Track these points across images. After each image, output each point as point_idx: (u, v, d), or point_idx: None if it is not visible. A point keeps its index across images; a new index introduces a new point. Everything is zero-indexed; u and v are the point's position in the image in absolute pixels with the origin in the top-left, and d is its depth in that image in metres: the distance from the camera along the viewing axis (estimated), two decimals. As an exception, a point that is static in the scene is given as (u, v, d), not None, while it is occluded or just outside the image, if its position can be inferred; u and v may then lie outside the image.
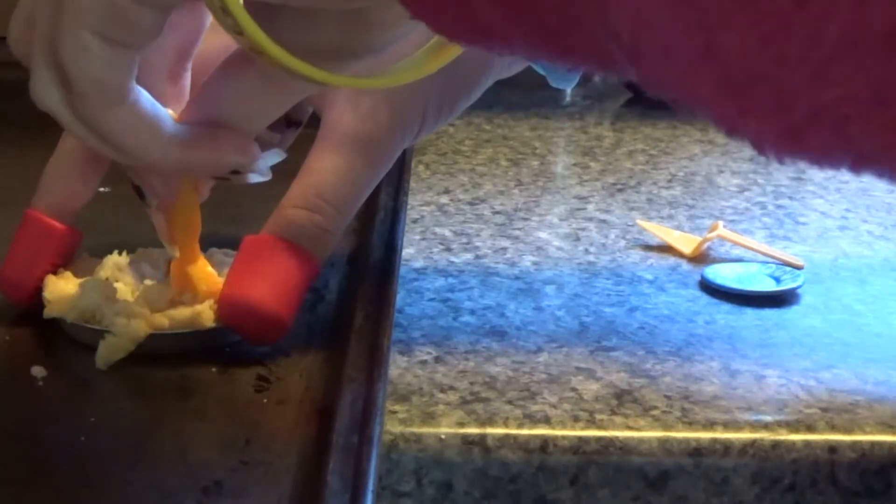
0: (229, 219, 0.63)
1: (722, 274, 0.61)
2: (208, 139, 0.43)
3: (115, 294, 0.47)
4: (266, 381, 0.45)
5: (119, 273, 0.49)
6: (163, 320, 0.46)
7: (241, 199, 0.66)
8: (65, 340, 0.47)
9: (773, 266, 0.63)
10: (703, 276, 0.62)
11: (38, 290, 0.48)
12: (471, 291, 0.60)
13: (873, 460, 0.48)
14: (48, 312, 0.47)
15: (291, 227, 0.47)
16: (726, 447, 0.47)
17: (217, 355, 0.47)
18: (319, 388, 0.44)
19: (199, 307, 0.46)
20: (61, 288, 0.48)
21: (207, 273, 0.48)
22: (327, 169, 0.48)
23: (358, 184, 0.49)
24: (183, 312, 0.46)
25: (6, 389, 0.44)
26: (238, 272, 0.46)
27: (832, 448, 0.48)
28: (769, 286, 0.61)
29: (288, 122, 0.54)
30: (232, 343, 0.47)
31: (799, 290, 0.61)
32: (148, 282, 0.48)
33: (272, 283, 0.46)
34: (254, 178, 0.46)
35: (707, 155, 0.87)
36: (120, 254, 0.50)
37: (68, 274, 0.49)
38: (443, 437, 0.46)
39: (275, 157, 0.47)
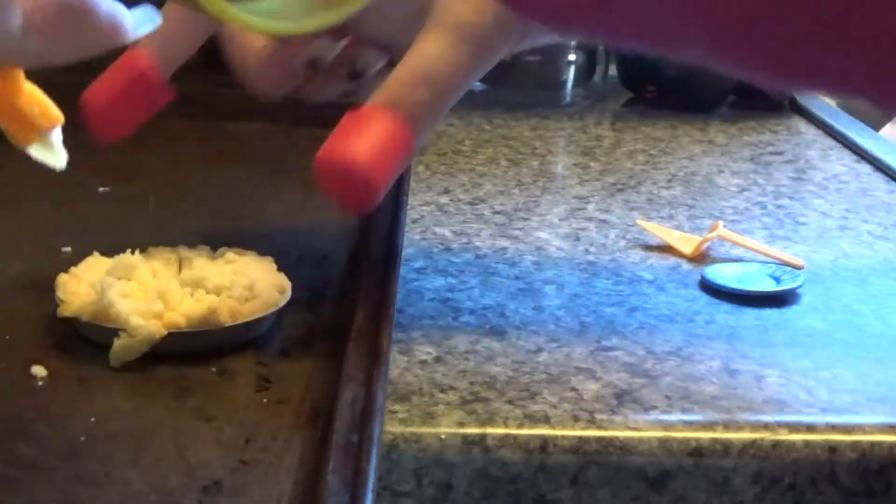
0: (229, 219, 0.63)
1: (722, 274, 0.61)
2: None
3: (130, 293, 0.47)
4: (266, 381, 0.45)
5: (132, 272, 0.49)
6: (179, 319, 0.46)
7: (240, 199, 0.67)
8: (65, 340, 0.47)
9: (773, 266, 0.63)
10: (703, 276, 0.62)
11: (122, 131, 0.49)
12: (471, 291, 0.60)
13: (873, 460, 0.48)
14: (62, 312, 0.47)
15: (393, 100, 0.48)
16: (726, 447, 0.47)
17: (217, 355, 0.47)
18: (319, 388, 0.44)
19: (214, 304, 0.47)
20: (75, 288, 0.48)
21: (39, 99, 0.42)
22: (432, 52, 0.49)
23: (460, 72, 0.49)
24: (198, 310, 0.46)
25: (6, 389, 0.44)
26: (337, 136, 0.47)
27: (832, 448, 0.48)
28: (769, 286, 0.61)
29: (351, 74, 0.55)
30: (235, 343, 0.47)
31: (799, 290, 0.61)
32: (161, 281, 0.49)
33: (369, 146, 0.46)
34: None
35: (707, 155, 0.87)
36: (133, 253, 0.50)
37: (81, 273, 0.49)
38: (443, 437, 0.46)
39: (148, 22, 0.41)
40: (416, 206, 0.72)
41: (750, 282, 0.61)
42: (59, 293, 0.48)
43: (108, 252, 0.51)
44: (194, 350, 0.46)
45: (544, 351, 0.53)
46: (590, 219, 0.72)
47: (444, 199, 0.74)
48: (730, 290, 0.60)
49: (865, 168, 0.85)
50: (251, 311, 0.48)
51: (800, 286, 0.61)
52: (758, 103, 1.01)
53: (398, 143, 0.47)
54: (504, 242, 0.67)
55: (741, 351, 0.54)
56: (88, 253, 0.52)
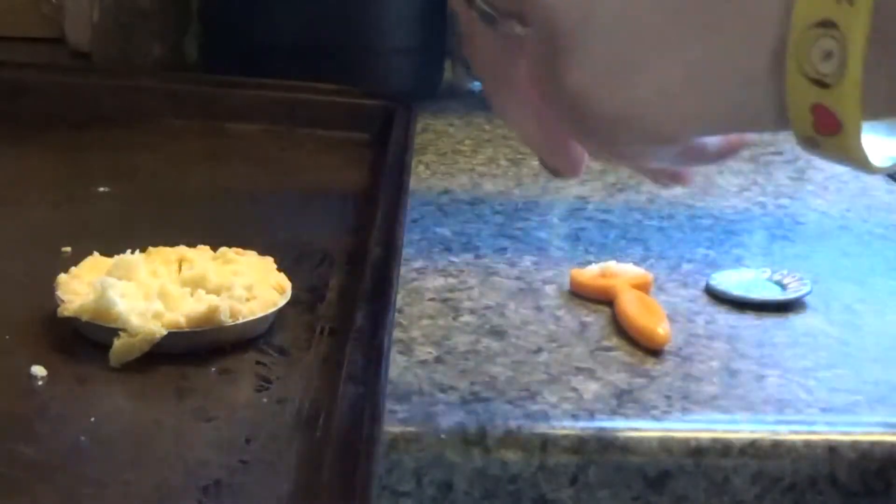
0: (229, 219, 0.63)
1: (727, 281, 0.61)
2: None
3: (130, 293, 0.47)
4: (266, 381, 0.45)
5: (132, 272, 0.49)
6: (179, 319, 0.46)
7: (240, 199, 0.67)
8: (65, 340, 0.47)
9: (769, 270, 0.62)
10: (707, 284, 0.61)
11: None
12: (471, 291, 0.60)
13: (873, 460, 0.48)
14: (62, 311, 0.47)
15: None
16: (726, 447, 0.47)
17: (217, 355, 0.47)
18: (319, 387, 0.44)
19: (214, 303, 0.47)
20: (75, 288, 0.48)
21: None
22: None
23: None
24: (198, 310, 0.46)
25: (6, 389, 0.44)
26: None
27: (832, 448, 0.48)
28: (775, 294, 0.60)
29: None
30: (235, 343, 0.47)
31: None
32: (161, 280, 0.49)
33: None
34: None
35: (707, 155, 0.87)
36: (133, 253, 0.50)
37: (81, 273, 0.49)
38: (443, 437, 0.46)
39: None
40: (416, 206, 0.72)
41: (755, 289, 0.60)
42: (59, 293, 0.48)
43: (108, 252, 0.51)
44: (194, 350, 0.46)
45: (544, 351, 0.54)
46: (590, 219, 0.72)
47: (444, 199, 0.74)
48: (735, 299, 0.59)
49: (865, 168, 0.85)
50: (251, 311, 0.48)
51: (809, 292, 0.60)
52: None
53: None
54: (504, 242, 0.67)
55: (741, 351, 0.54)
56: (88, 253, 0.52)
